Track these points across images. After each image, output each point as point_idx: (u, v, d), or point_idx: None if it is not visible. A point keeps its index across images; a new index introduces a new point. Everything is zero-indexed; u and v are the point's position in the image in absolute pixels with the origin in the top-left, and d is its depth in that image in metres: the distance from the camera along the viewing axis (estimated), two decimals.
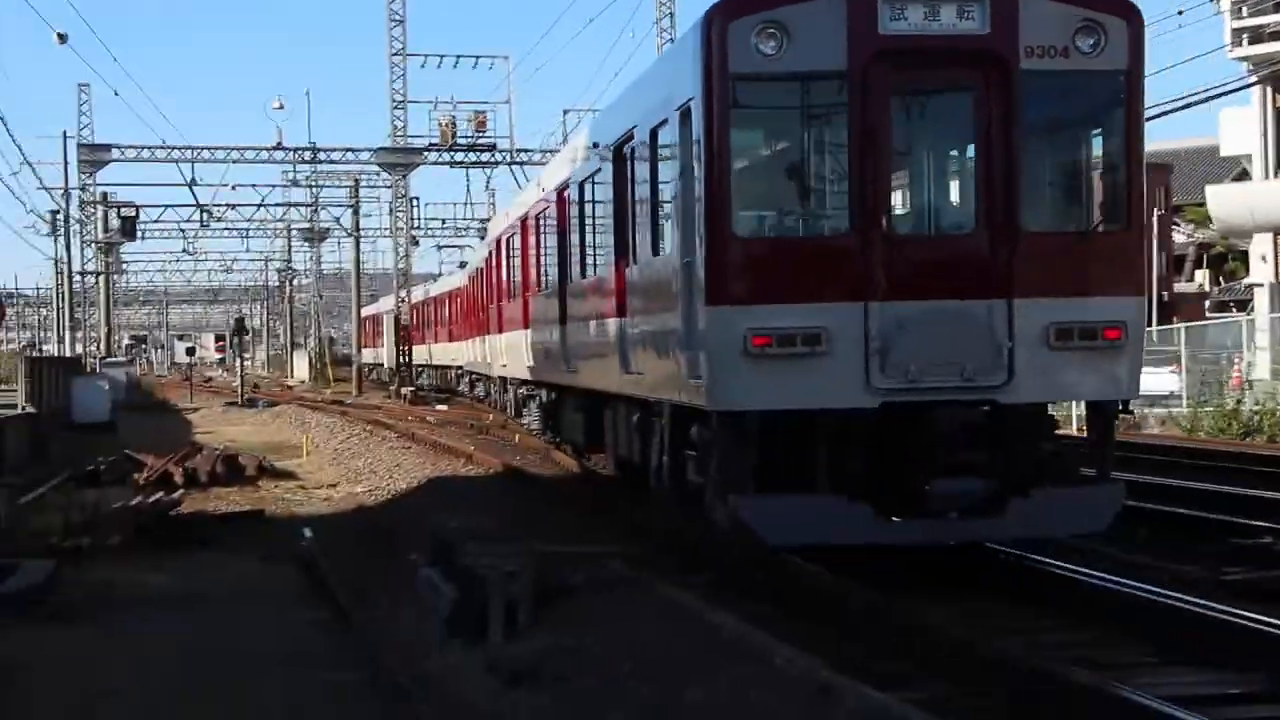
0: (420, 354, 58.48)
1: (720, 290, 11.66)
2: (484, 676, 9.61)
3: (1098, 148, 12.44)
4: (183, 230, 74.01)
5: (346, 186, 69.55)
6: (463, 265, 54.84)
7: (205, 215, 63.69)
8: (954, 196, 12.59)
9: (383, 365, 68.02)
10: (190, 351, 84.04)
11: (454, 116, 55.25)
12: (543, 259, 21.51)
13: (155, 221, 67.07)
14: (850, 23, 11.48)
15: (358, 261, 70.33)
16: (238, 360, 63.59)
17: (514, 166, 56.31)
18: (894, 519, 11.67)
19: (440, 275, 67.57)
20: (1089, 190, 12.52)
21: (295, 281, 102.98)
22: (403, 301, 58.07)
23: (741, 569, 12.65)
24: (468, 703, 9.24)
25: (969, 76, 11.81)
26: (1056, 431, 13.25)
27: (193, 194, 59.22)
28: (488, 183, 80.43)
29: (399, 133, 55.05)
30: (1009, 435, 11.77)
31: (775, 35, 11.49)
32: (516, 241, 25.10)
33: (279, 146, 56.17)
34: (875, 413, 11.53)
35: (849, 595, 11.12)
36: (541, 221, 21.50)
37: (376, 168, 59.40)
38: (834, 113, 11.85)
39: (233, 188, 61.12)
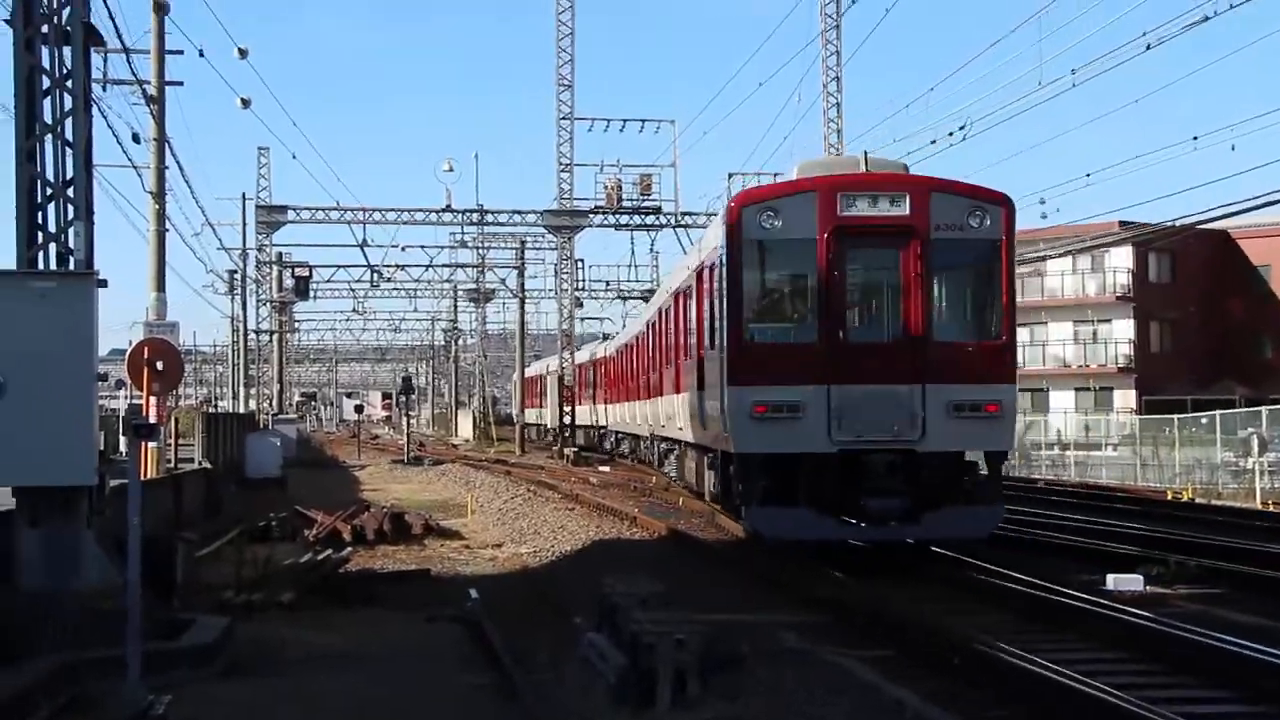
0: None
1: (736, 375, 18.30)
2: None
3: (984, 287, 18.81)
4: (353, 290, 75.63)
5: (513, 248, 70.38)
6: (605, 337, 56.86)
7: (375, 275, 64.79)
8: (887, 318, 18.65)
9: (545, 425, 68.43)
10: (358, 409, 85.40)
11: (619, 179, 55.73)
12: (669, 342, 27.39)
13: (327, 281, 68.63)
14: (819, 209, 18.13)
15: (522, 322, 71.07)
16: (404, 418, 64.46)
17: (678, 229, 56.48)
18: (847, 524, 17.93)
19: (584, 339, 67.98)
20: (978, 314, 18.99)
21: (460, 341, 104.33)
22: (566, 363, 58.44)
23: (924, 644, 12.62)
24: None
25: (897, 243, 18.18)
26: (968, 472, 18.42)
27: (364, 255, 60.32)
28: (652, 245, 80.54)
29: (565, 195, 55.61)
30: (922, 472, 17.88)
31: (772, 215, 18.24)
32: (655, 326, 31.22)
33: (448, 208, 57.07)
34: (835, 456, 17.86)
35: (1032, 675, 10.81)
36: (664, 315, 28.12)
37: (542, 229, 60.05)
38: (809, 264, 18.23)
39: (402, 249, 62.01)
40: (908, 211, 18.11)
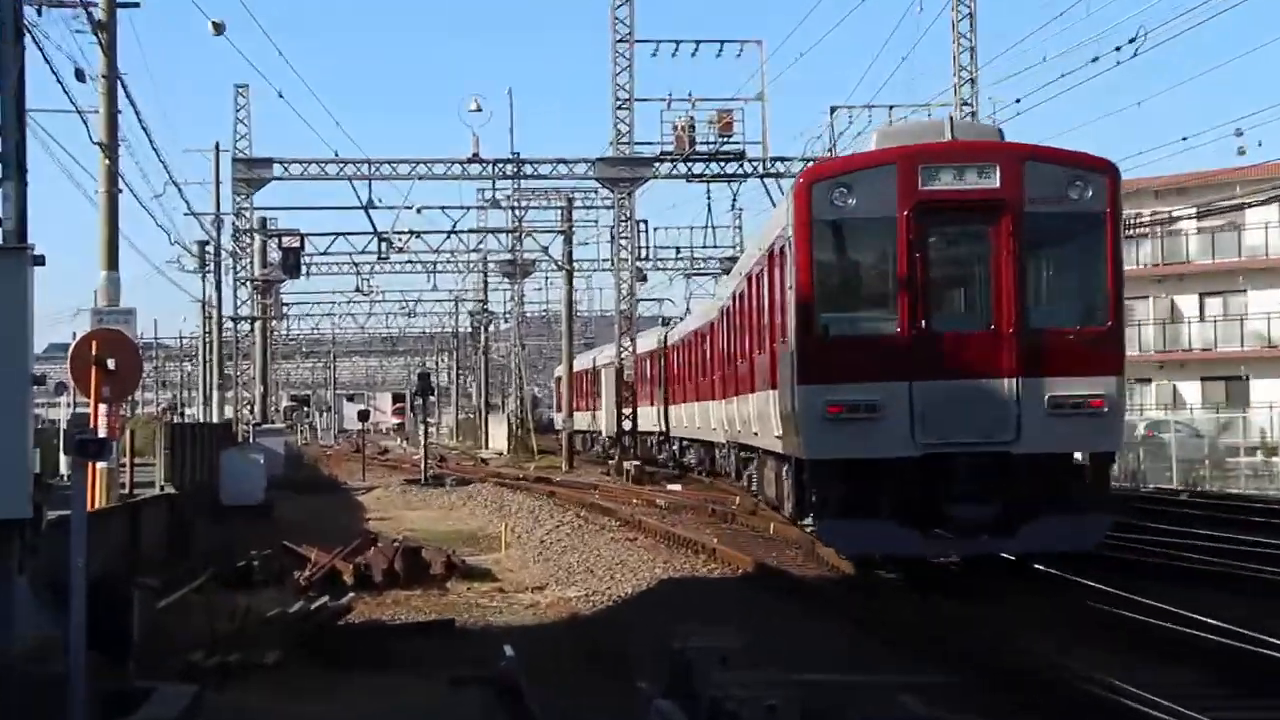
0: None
1: (807, 371, 20.82)
2: None
3: (1087, 266, 21.09)
4: (356, 264, 75.96)
5: (557, 208, 70.45)
6: (664, 322, 61.28)
7: (384, 245, 65.02)
8: (977, 304, 20.96)
9: (599, 432, 68.54)
10: (363, 416, 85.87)
11: (692, 117, 55.44)
12: (744, 332, 29.88)
13: (323, 253, 68.99)
14: (899, 183, 20.40)
15: (569, 302, 71.10)
16: (421, 427, 64.77)
17: (767, 180, 56.16)
18: (933, 536, 20.10)
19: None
20: (1080, 297, 21.20)
21: (492, 327, 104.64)
22: (626, 352, 58.42)
23: (1089, 712, 12.65)
24: None
25: (987, 219, 20.48)
26: (1071, 475, 20.69)
27: (369, 219, 60.48)
28: (734, 200, 78.53)
29: (623, 139, 55.49)
30: (1018, 477, 20.03)
31: (845, 192, 20.60)
32: (729, 312, 33.74)
33: (475, 158, 57.11)
34: (918, 460, 20.05)
35: None
36: (739, 299, 30.85)
37: (595, 183, 59.99)
38: (888, 246, 20.57)
39: (418, 210, 62.16)
40: (998, 184, 20.40)
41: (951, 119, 22.50)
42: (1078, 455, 21.06)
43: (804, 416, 20.75)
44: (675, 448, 55.42)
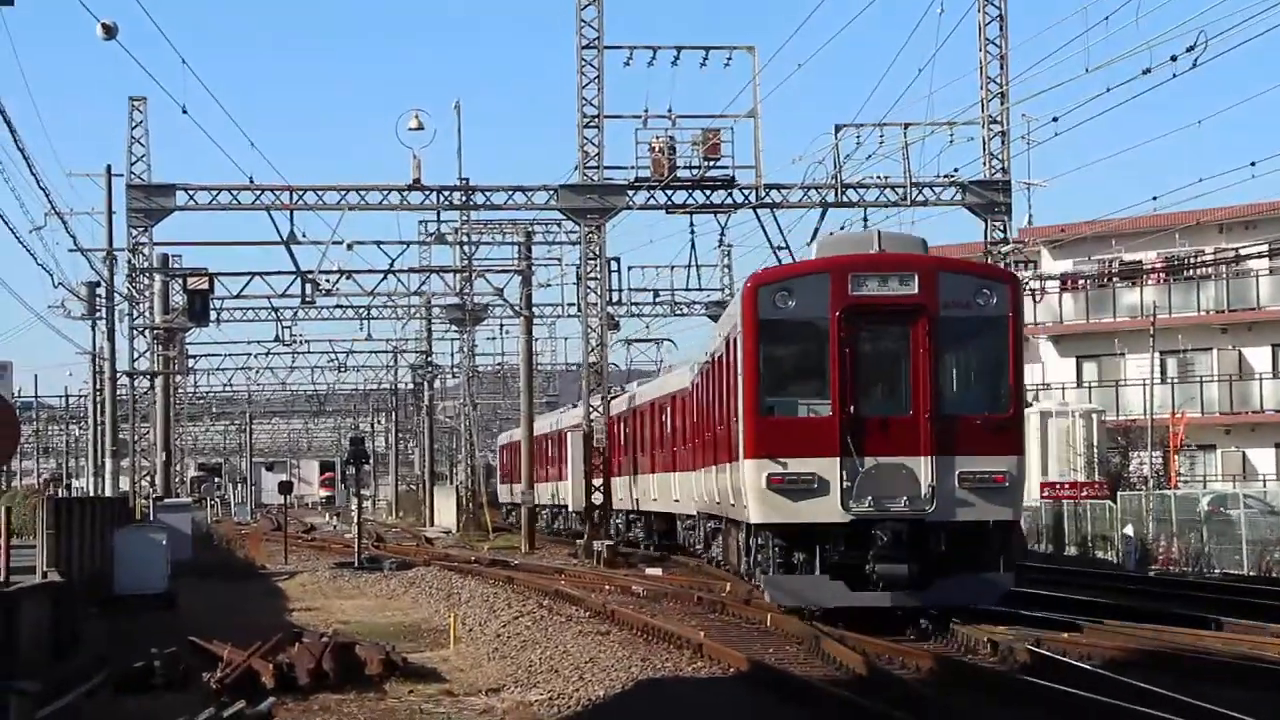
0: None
1: (752, 448, 28.89)
2: None
3: (991, 363, 29.59)
4: (276, 310, 75.65)
5: (514, 243, 70.30)
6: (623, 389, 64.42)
7: (309, 287, 64.65)
8: (898, 393, 29.09)
9: (565, 506, 68.43)
10: (285, 488, 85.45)
11: (672, 137, 55.45)
12: (710, 409, 36.96)
13: (237, 296, 68.52)
14: (832, 289, 28.65)
15: (529, 353, 70.89)
16: (354, 500, 64.50)
17: (760, 210, 55.85)
18: (859, 590, 27.96)
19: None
20: (985, 389, 29.68)
21: (438, 383, 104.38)
22: (595, 411, 58.30)
23: None
24: None
25: (906, 321, 28.58)
26: (983, 541, 28.31)
27: (291, 256, 60.23)
28: (722, 235, 77.74)
29: (591, 162, 55.43)
30: (931, 540, 27.97)
31: (786, 295, 28.92)
32: (698, 385, 40.71)
33: (416, 185, 56.90)
34: (848, 525, 28.04)
35: None
36: (705, 375, 38.33)
37: (558, 215, 59.92)
38: (822, 343, 28.72)
39: (349, 247, 61.76)
40: (916, 290, 28.59)
41: (880, 233, 31.94)
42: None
43: (750, 486, 28.77)
44: (620, 521, 59.65)
